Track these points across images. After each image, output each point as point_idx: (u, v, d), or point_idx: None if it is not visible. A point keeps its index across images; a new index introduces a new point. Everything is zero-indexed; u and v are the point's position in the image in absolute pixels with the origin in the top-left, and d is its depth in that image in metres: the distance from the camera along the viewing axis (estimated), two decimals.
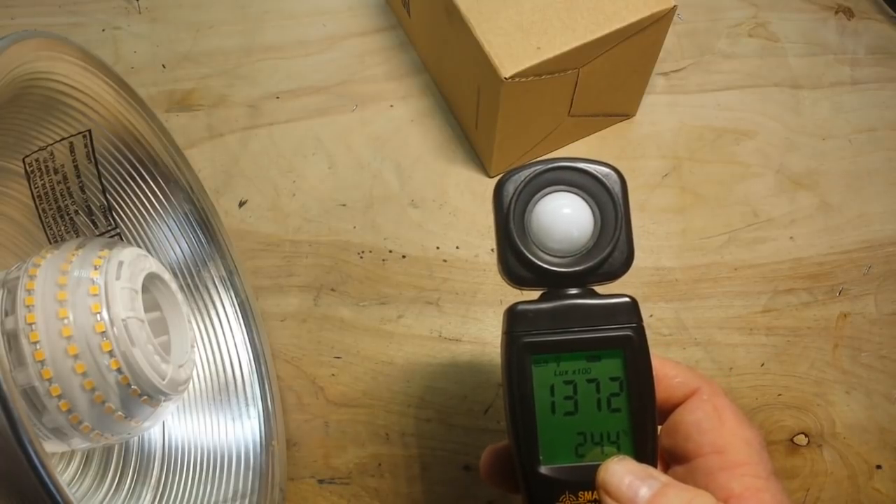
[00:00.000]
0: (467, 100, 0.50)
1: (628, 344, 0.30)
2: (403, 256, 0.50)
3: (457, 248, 0.50)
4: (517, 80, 0.43)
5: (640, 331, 0.30)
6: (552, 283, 0.31)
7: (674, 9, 0.45)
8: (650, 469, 0.29)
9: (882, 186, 0.52)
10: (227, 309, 0.46)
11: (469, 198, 0.52)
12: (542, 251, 0.31)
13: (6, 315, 0.32)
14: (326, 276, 0.50)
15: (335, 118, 0.54)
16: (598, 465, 0.29)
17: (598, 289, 0.31)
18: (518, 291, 0.32)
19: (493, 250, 0.50)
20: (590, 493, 0.30)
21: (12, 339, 0.32)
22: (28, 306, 0.32)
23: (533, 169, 0.31)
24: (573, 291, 0.31)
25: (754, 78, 0.56)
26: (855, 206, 0.52)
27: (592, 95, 0.49)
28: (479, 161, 0.53)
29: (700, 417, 0.32)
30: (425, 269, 0.50)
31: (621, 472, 0.28)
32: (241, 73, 0.56)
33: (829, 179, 0.52)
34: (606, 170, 0.31)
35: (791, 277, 0.49)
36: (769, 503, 0.29)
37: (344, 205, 0.52)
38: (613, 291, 0.31)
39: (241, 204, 0.52)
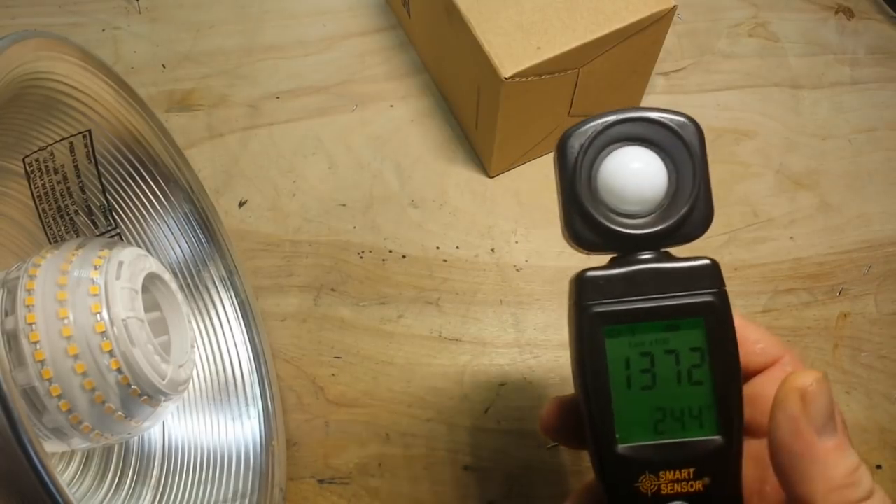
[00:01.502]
0: (467, 100, 0.50)
1: (710, 311, 0.27)
2: (403, 256, 0.50)
3: (457, 248, 0.50)
4: (517, 80, 0.43)
5: (723, 296, 0.28)
6: (624, 246, 0.28)
7: (674, 9, 0.45)
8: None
9: (882, 186, 0.52)
10: (227, 309, 0.46)
11: (469, 198, 0.52)
12: (612, 212, 0.28)
13: (6, 315, 0.32)
14: (326, 276, 0.50)
15: (335, 118, 0.54)
16: (679, 443, 0.27)
17: (674, 252, 0.29)
18: (584, 257, 0.30)
19: (492, 250, 0.50)
20: (672, 472, 0.27)
21: (12, 339, 0.32)
22: (28, 306, 0.32)
23: (600, 121, 0.28)
24: (647, 255, 0.28)
25: (754, 78, 0.56)
26: (855, 206, 0.52)
27: (592, 95, 0.49)
28: (479, 161, 0.53)
29: None
30: (425, 269, 0.50)
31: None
32: (241, 73, 0.56)
33: (829, 179, 0.52)
34: (682, 119, 0.28)
35: (791, 277, 0.49)
36: None
37: (344, 205, 0.52)
38: (690, 254, 0.29)
39: (241, 204, 0.52)
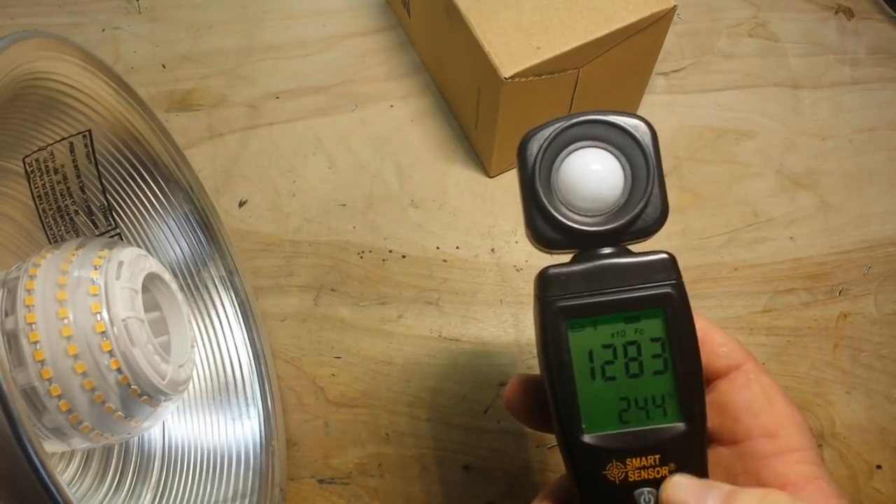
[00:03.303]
0: (467, 100, 0.50)
1: (668, 302, 0.29)
2: (403, 256, 0.50)
3: (457, 248, 0.50)
4: (517, 80, 0.43)
5: (680, 287, 0.29)
6: (584, 243, 0.30)
7: (674, 9, 0.45)
8: (711, 481, 0.28)
9: (882, 186, 0.52)
10: (227, 309, 0.46)
11: (469, 198, 0.52)
12: (571, 211, 0.30)
13: (6, 315, 0.32)
14: (326, 276, 0.50)
15: (335, 118, 0.54)
16: (644, 431, 0.29)
17: (633, 247, 0.30)
18: (547, 257, 0.31)
19: (493, 250, 0.50)
20: (638, 459, 0.28)
21: (12, 339, 0.32)
22: (28, 306, 0.32)
23: (556, 125, 0.30)
24: (606, 251, 0.29)
25: (754, 78, 0.56)
26: (855, 206, 0.52)
27: (592, 95, 0.49)
28: (479, 161, 0.53)
29: (748, 398, 0.30)
30: (425, 269, 0.50)
31: (686, 485, 0.28)
32: (241, 73, 0.56)
33: (829, 179, 0.52)
34: (635, 121, 0.29)
35: (791, 277, 0.49)
36: (827, 492, 0.28)
37: (344, 205, 0.52)
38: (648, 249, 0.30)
39: (241, 204, 0.52)
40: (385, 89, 0.55)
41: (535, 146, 0.30)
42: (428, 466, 0.45)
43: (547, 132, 0.30)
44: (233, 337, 0.46)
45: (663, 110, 0.54)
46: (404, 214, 0.51)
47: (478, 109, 0.49)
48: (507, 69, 0.43)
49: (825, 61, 0.57)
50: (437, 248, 0.50)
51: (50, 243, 0.41)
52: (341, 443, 0.46)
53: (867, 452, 0.45)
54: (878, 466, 0.45)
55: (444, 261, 0.50)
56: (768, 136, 0.54)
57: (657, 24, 0.45)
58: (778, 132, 0.54)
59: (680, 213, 0.51)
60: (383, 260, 0.50)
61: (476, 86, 0.47)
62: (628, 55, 0.46)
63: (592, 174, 0.29)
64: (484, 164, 0.52)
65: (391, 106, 0.55)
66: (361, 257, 0.50)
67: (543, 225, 0.29)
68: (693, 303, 0.51)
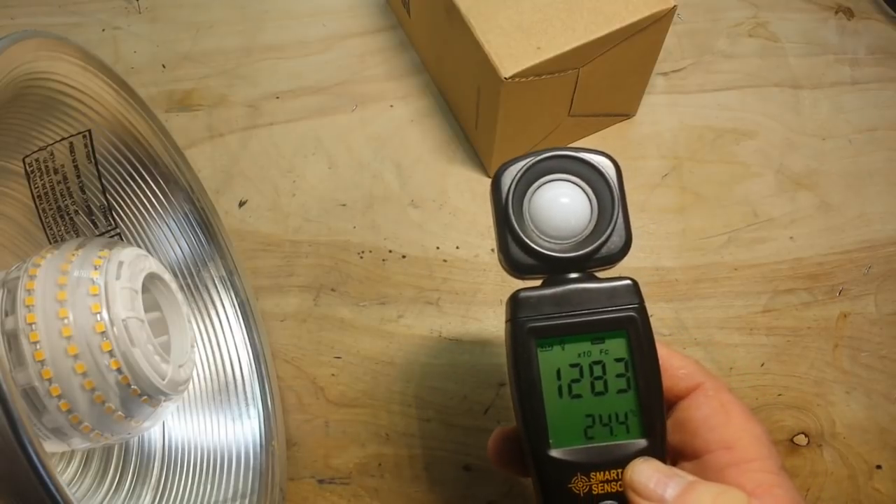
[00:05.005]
0: (467, 100, 0.50)
1: (631, 324, 0.31)
2: (403, 256, 0.50)
3: (457, 248, 0.50)
4: (517, 80, 0.43)
5: (642, 311, 0.31)
6: (553, 268, 0.32)
7: (674, 9, 0.45)
8: (675, 469, 0.29)
9: (882, 186, 0.52)
10: (227, 309, 0.46)
11: (469, 198, 0.52)
12: (542, 239, 0.32)
13: (6, 315, 0.32)
14: (326, 276, 0.50)
15: (335, 118, 0.55)
16: (608, 446, 0.30)
17: (599, 274, 0.32)
18: (518, 283, 0.33)
19: (493, 250, 0.50)
20: (602, 472, 0.30)
21: (12, 339, 0.32)
22: (28, 306, 0.32)
23: (528, 160, 0.32)
24: (574, 276, 0.31)
25: (754, 78, 0.56)
26: (855, 206, 0.52)
27: (592, 95, 0.49)
28: (479, 161, 0.53)
29: (707, 413, 0.32)
30: (425, 269, 0.50)
31: (648, 471, 0.29)
32: (241, 73, 0.56)
33: (829, 179, 0.52)
34: (600, 157, 0.32)
35: (791, 277, 0.49)
36: (782, 498, 0.29)
37: (344, 205, 0.52)
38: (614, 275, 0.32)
39: (241, 204, 0.52)
40: (385, 89, 0.55)
41: (507, 179, 0.32)
42: (428, 466, 0.45)
43: (519, 166, 0.32)
44: (233, 337, 0.46)
45: (663, 110, 0.54)
46: (404, 214, 0.51)
47: (478, 109, 0.49)
48: (507, 69, 0.43)
49: (825, 61, 0.57)
50: (437, 248, 0.50)
51: (50, 243, 0.41)
52: (341, 443, 0.46)
53: (867, 452, 0.45)
54: (878, 466, 0.45)
55: (444, 261, 0.50)
56: (768, 136, 0.54)
57: (657, 24, 0.45)
58: (778, 132, 0.54)
59: (680, 213, 0.51)
60: (383, 260, 0.50)
61: (476, 86, 0.47)
62: (628, 55, 0.46)
63: (561, 205, 0.32)
64: (484, 164, 0.52)
65: (391, 106, 0.55)
66: (361, 257, 0.50)
67: (518, 251, 0.31)
68: (693, 303, 0.51)
